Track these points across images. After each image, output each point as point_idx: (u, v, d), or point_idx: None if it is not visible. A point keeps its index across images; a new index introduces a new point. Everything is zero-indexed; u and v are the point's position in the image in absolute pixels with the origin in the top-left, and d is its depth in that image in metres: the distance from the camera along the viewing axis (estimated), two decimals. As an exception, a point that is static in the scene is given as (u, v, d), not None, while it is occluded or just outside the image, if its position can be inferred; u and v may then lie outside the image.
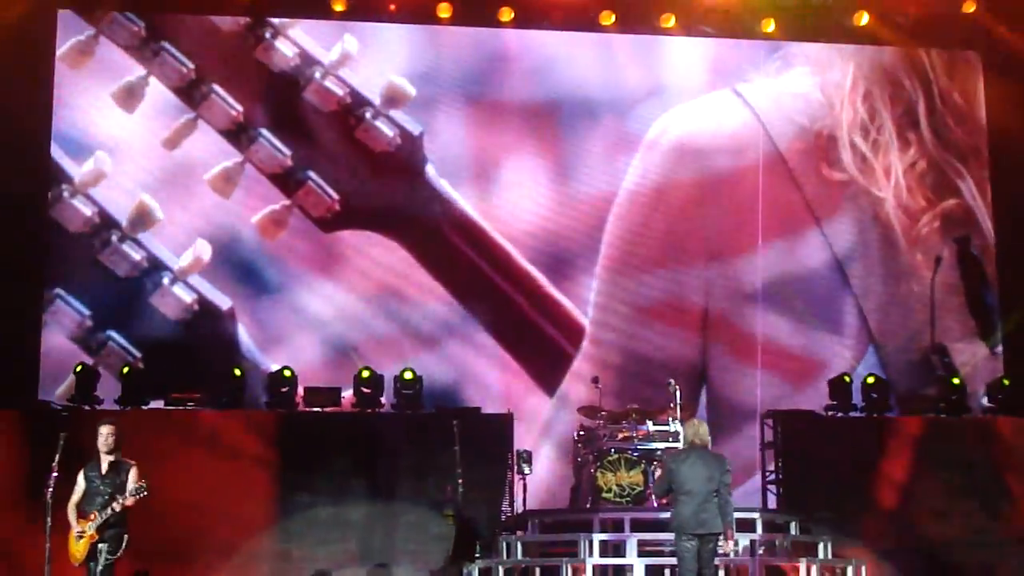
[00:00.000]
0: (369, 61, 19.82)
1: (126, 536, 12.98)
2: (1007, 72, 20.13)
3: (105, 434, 13.27)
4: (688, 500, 13.04)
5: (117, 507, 12.92)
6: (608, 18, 19.98)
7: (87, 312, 18.97)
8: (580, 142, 20.28)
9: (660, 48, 20.63)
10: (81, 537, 12.85)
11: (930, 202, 20.60)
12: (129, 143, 19.49)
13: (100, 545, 12.84)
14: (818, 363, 20.05)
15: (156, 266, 19.15)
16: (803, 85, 20.59)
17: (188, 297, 19.18)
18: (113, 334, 19.01)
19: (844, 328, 20.35)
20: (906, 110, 20.77)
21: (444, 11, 19.60)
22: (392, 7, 19.56)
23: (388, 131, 19.78)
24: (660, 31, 20.24)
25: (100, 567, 12.84)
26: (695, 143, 20.41)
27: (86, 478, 13.21)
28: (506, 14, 19.76)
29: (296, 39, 19.55)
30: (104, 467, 13.23)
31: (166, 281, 19.11)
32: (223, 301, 19.28)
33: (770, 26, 19.93)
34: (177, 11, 19.49)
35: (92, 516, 12.92)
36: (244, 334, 19.23)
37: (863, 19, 19.97)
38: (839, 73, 20.61)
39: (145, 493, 13.05)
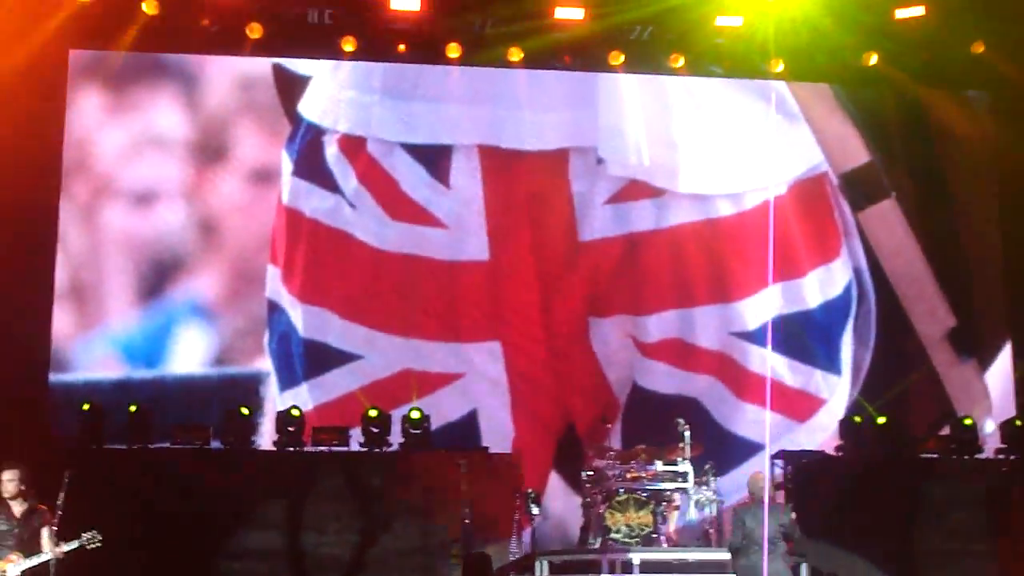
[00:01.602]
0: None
1: None
2: (1016, 113, 19.69)
3: (11, 478, 12.40)
4: (757, 550, 13.17)
5: (55, 554, 12.20)
6: (617, 58, 19.53)
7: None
8: (589, 187, 20.00)
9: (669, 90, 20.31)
10: None
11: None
12: (148, 185, 19.28)
13: None
14: (818, 401, 19.94)
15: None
16: (805, 127, 20.35)
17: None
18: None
19: (842, 366, 20.11)
20: (910, 152, 20.50)
21: (453, 51, 19.23)
22: (401, 47, 19.22)
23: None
24: (669, 71, 19.80)
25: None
26: (703, 187, 20.21)
27: None
28: (515, 54, 19.29)
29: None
30: (16, 512, 12.35)
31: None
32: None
33: (779, 67, 19.41)
34: (189, 51, 19.12)
35: (12, 558, 12.19)
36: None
37: (872, 60, 19.46)
38: (840, 116, 20.39)
39: (99, 543, 12.38)
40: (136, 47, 18.54)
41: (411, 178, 19.85)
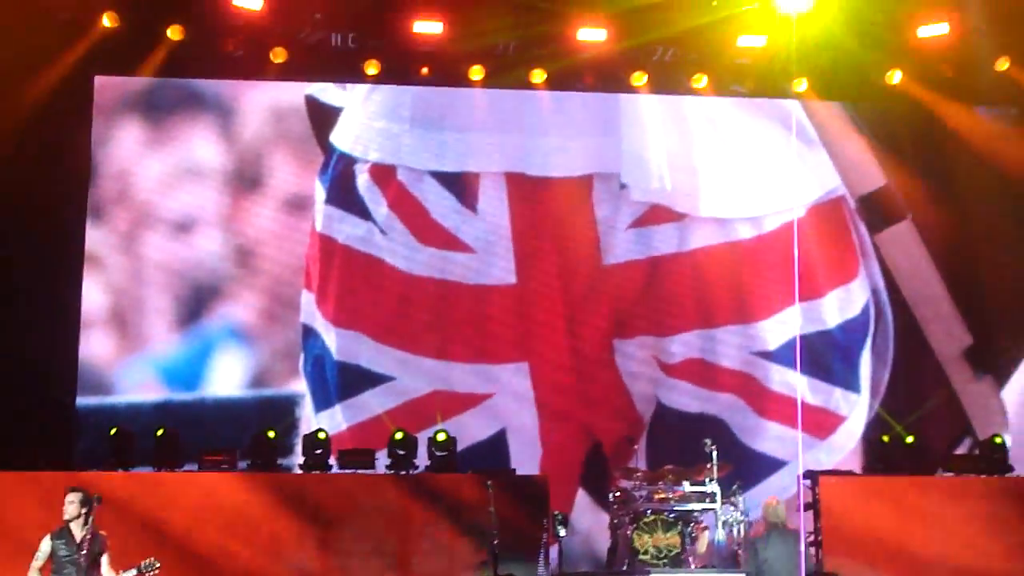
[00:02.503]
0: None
1: None
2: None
3: (72, 501, 11.03)
4: None
5: None
6: (640, 79, 17.60)
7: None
8: (612, 212, 18.23)
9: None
10: None
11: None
12: (186, 214, 17.55)
13: None
14: (837, 418, 18.09)
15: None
16: (822, 151, 18.44)
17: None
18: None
19: (860, 384, 18.23)
20: (927, 172, 18.44)
21: (476, 73, 17.30)
22: (425, 70, 17.27)
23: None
24: (692, 92, 17.89)
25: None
26: (724, 211, 18.39)
27: (52, 547, 10.88)
28: (538, 76, 17.40)
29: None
30: (77, 537, 10.87)
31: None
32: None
33: (802, 85, 17.46)
34: (214, 76, 17.32)
35: None
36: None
37: (895, 77, 17.45)
38: (857, 139, 18.44)
39: (157, 570, 10.95)
40: (161, 73, 16.78)
41: (440, 205, 18.11)
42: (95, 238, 17.25)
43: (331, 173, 17.90)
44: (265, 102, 17.84)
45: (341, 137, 17.96)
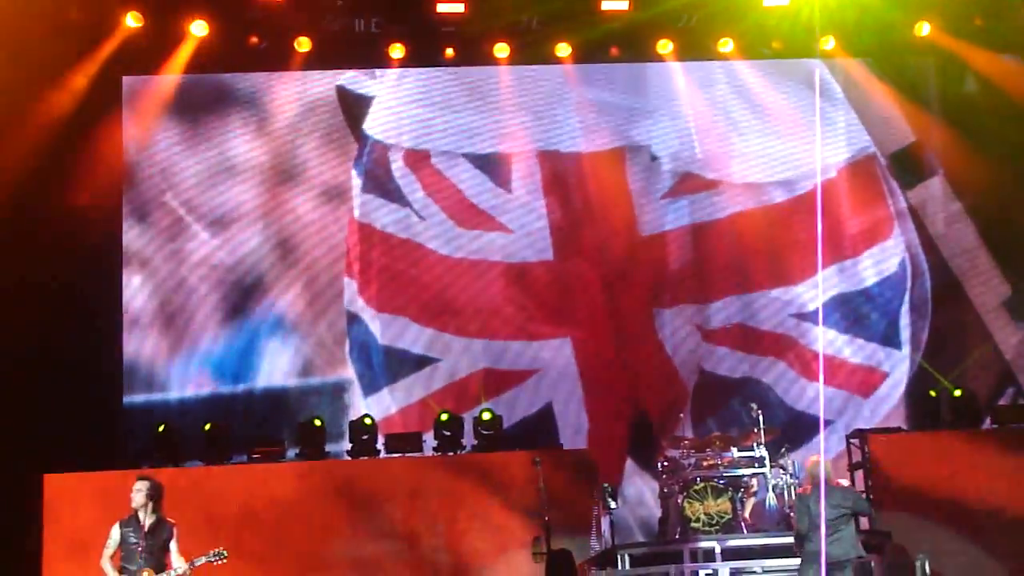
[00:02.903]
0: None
1: None
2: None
3: (140, 489, 10.53)
4: (815, 535, 10.91)
5: (184, 569, 10.28)
6: (665, 47, 16.57)
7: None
8: (645, 183, 17.29)
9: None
10: None
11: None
12: (226, 210, 16.74)
13: None
14: (880, 374, 17.06)
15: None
16: (851, 111, 17.42)
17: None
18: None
19: (901, 340, 17.18)
20: (956, 126, 17.28)
21: (501, 51, 16.28)
22: (450, 51, 16.30)
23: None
24: (718, 57, 16.82)
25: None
26: (756, 176, 17.38)
27: (121, 534, 10.38)
28: (563, 49, 16.37)
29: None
30: (145, 524, 10.46)
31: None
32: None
33: (829, 43, 16.37)
34: (240, 70, 16.44)
35: (145, 574, 10.33)
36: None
37: (923, 29, 16.33)
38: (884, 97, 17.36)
39: (225, 559, 10.42)
40: (187, 70, 15.92)
41: (475, 187, 17.30)
42: (134, 238, 16.49)
43: (365, 161, 17.16)
44: (296, 95, 17.03)
45: (373, 125, 17.19)
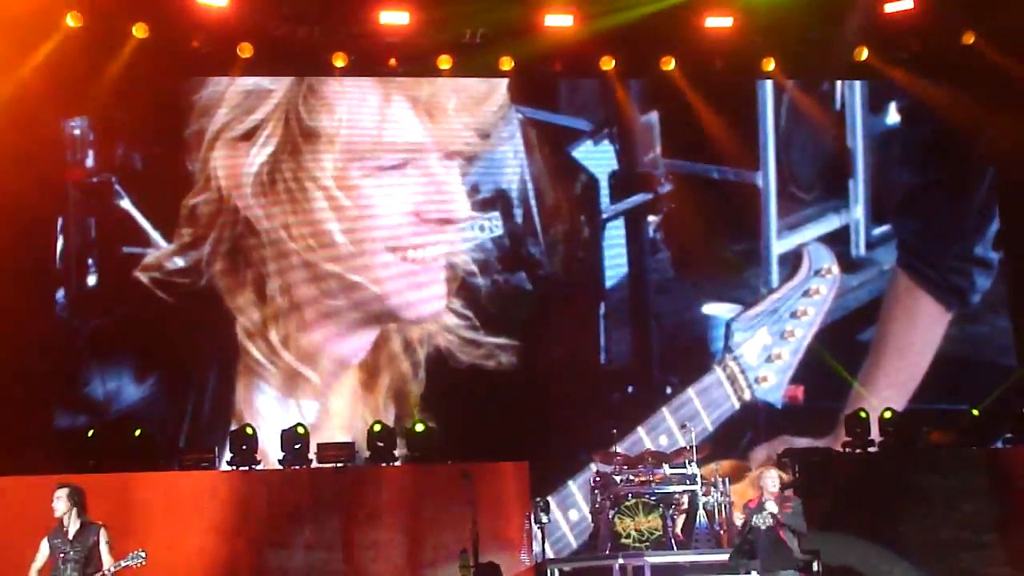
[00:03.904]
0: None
1: None
2: (1008, 102, 16.38)
3: (60, 497, 10.36)
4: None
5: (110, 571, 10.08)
6: (608, 63, 16.46)
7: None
8: None
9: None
10: None
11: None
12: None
13: None
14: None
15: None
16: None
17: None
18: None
19: None
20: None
21: (444, 63, 16.11)
22: (392, 61, 16.08)
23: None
24: (661, 74, 16.72)
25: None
26: None
27: (50, 545, 10.23)
28: (506, 63, 16.24)
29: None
30: (70, 531, 10.18)
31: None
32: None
33: (770, 65, 16.49)
34: (180, 74, 16.08)
35: None
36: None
37: (863, 55, 16.44)
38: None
39: (143, 562, 10.18)
40: (126, 72, 15.44)
41: None
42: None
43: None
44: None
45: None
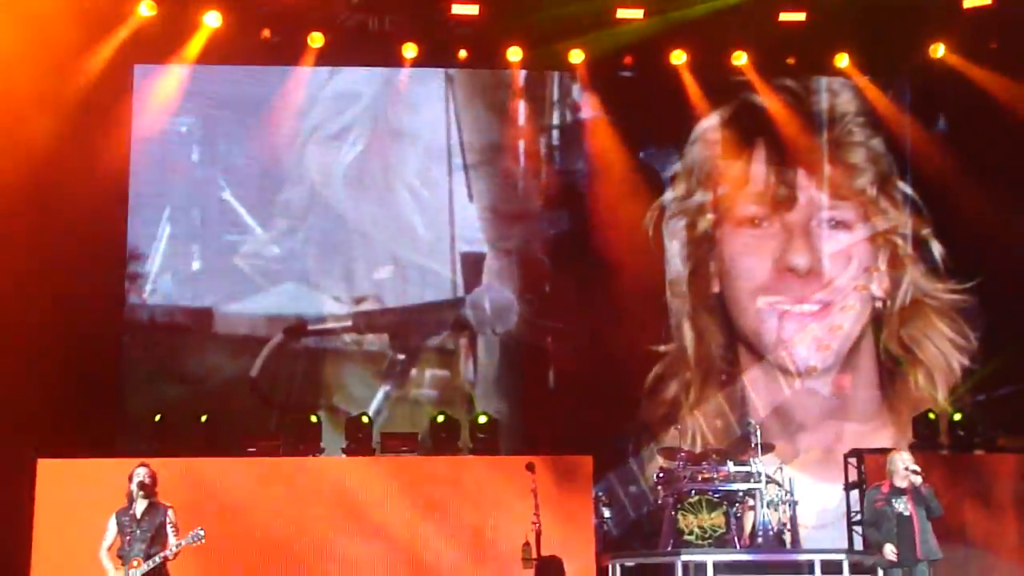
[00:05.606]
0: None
1: None
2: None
3: (140, 476, 10.82)
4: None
5: (169, 554, 10.57)
6: (679, 57, 16.43)
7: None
8: None
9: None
10: None
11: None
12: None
13: None
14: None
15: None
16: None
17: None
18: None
19: None
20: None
21: (515, 54, 16.16)
22: (463, 52, 16.24)
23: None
24: (731, 69, 16.66)
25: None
26: None
27: (118, 523, 10.82)
28: (576, 55, 16.29)
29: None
30: (139, 511, 10.78)
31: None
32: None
33: (843, 60, 16.43)
34: (251, 63, 16.29)
35: (134, 562, 10.58)
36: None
37: (939, 51, 16.22)
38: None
39: (203, 540, 10.57)
40: (199, 60, 15.77)
41: None
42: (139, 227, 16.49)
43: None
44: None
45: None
